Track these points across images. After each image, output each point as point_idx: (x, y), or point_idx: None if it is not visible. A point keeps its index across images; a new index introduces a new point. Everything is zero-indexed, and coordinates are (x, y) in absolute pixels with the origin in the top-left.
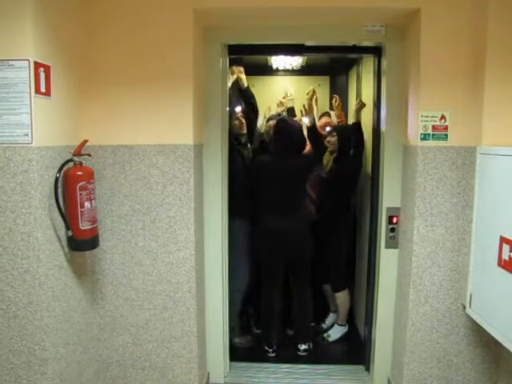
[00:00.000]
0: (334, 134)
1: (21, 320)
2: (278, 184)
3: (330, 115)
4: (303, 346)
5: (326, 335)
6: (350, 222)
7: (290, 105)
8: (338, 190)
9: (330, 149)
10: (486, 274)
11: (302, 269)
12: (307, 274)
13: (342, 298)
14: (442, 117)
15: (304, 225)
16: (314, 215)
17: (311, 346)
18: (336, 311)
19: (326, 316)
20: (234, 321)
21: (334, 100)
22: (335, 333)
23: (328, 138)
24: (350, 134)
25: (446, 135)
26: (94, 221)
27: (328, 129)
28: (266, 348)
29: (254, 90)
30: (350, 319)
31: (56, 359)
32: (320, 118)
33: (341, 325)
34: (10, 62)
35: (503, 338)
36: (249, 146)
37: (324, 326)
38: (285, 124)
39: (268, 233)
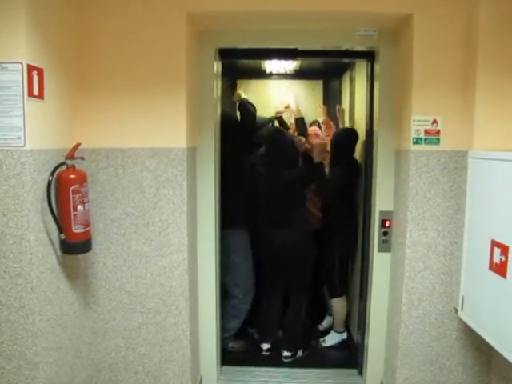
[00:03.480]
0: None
1: (12, 324)
2: (273, 195)
3: (318, 124)
4: (285, 353)
5: (321, 340)
6: (350, 227)
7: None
8: (337, 196)
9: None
10: (477, 277)
11: (299, 278)
12: (304, 284)
13: (337, 304)
14: (434, 121)
15: (301, 236)
16: (315, 225)
17: (299, 354)
18: (332, 316)
19: (322, 318)
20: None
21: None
22: (331, 339)
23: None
24: (341, 140)
25: (438, 139)
26: (86, 224)
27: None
28: (262, 345)
29: (247, 94)
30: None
31: (48, 363)
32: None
33: (338, 332)
34: (3, 65)
35: (495, 341)
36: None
37: (320, 327)
38: (278, 135)
39: (267, 243)
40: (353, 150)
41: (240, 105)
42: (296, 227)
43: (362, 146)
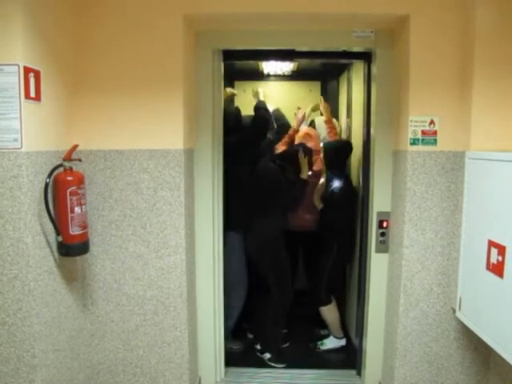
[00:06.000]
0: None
1: (10, 327)
2: (255, 187)
3: (314, 126)
4: (258, 345)
5: (319, 343)
6: (344, 249)
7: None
8: (336, 214)
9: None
10: (474, 277)
11: (272, 278)
12: (281, 286)
13: (325, 313)
14: (431, 122)
15: (268, 232)
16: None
17: (266, 356)
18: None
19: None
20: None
21: (321, 104)
22: (330, 343)
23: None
24: (339, 151)
25: (435, 140)
26: (84, 226)
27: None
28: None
29: (244, 96)
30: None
31: (45, 366)
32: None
33: (336, 337)
34: (0, 67)
35: (492, 341)
36: None
37: (322, 332)
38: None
39: (247, 237)
40: (344, 163)
41: (255, 108)
42: (264, 223)
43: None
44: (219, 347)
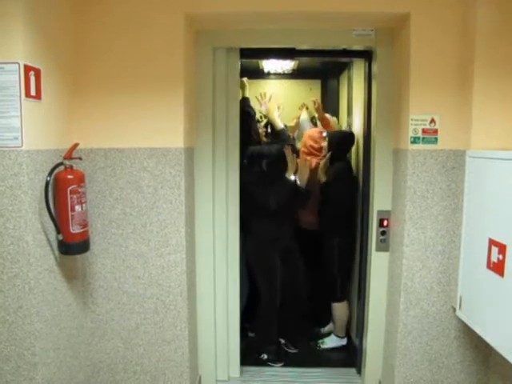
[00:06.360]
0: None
1: (10, 325)
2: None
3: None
4: (262, 354)
5: (320, 341)
6: (346, 228)
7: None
8: (335, 197)
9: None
10: (475, 276)
11: (258, 275)
12: (265, 284)
13: (337, 309)
14: (432, 120)
15: (263, 235)
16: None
17: (263, 357)
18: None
19: (326, 322)
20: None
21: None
22: (330, 341)
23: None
24: (340, 139)
25: (436, 138)
26: (84, 224)
27: (324, 134)
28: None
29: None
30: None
31: (46, 364)
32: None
33: (338, 336)
34: (0, 65)
35: (492, 339)
36: None
37: (322, 330)
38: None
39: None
40: (346, 153)
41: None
42: (263, 228)
43: (360, 145)
44: (233, 345)
